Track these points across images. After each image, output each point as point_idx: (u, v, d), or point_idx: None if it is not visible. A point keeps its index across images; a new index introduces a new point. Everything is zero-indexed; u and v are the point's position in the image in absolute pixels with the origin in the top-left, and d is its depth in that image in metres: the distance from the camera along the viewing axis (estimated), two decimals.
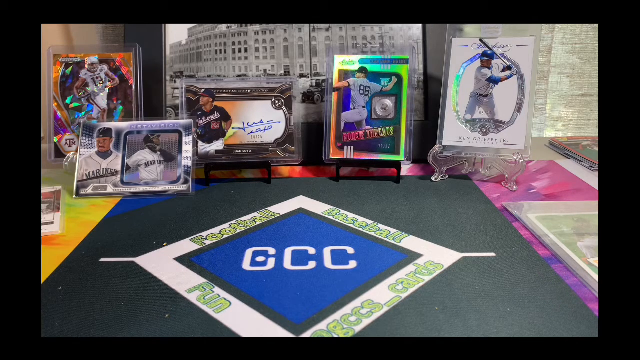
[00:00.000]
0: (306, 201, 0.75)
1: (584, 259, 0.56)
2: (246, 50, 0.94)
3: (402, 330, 0.45)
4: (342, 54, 0.84)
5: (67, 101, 0.86)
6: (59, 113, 0.85)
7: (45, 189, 0.76)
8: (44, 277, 0.55)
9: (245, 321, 0.47)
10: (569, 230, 0.63)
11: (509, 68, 0.78)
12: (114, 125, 0.80)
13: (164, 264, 0.57)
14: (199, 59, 0.94)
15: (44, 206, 0.71)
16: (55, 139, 0.85)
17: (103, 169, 0.78)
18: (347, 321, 0.46)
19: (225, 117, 0.83)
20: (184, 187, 0.77)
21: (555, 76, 1.12)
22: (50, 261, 0.58)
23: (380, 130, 0.82)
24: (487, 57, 0.79)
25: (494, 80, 0.79)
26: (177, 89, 0.92)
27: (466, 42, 0.80)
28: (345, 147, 0.83)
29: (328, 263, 0.57)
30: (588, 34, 1.09)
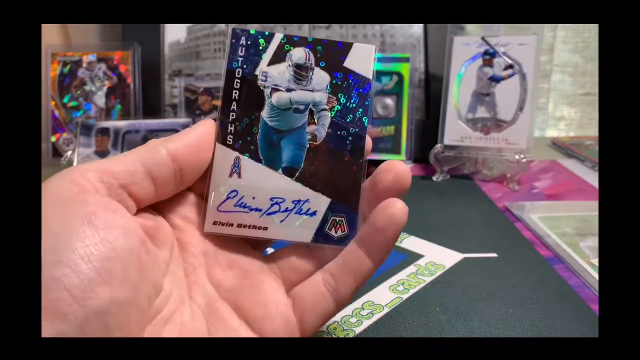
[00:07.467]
0: None
1: (587, 260, 0.56)
2: None
3: (402, 332, 0.45)
4: None
5: (65, 100, 0.85)
6: (56, 112, 0.85)
7: None
8: None
9: None
10: (572, 231, 0.63)
11: (510, 67, 0.78)
12: (112, 124, 0.80)
13: None
14: (197, 57, 0.94)
15: None
16: (53, 138, 0.85)
17: None
18: (347, 322, 0.46)
19: None
20: None
21: (558, 75, 1.11)
22: None
23: (381, 130, 0.81)
24: (488, 56, 0.78)
25: (495, 79, 0.78)
26: (176, 87, 0.91)
27: (467, 40, 0.80)
28: None
29: None
30: (590, 32, 1.08)
